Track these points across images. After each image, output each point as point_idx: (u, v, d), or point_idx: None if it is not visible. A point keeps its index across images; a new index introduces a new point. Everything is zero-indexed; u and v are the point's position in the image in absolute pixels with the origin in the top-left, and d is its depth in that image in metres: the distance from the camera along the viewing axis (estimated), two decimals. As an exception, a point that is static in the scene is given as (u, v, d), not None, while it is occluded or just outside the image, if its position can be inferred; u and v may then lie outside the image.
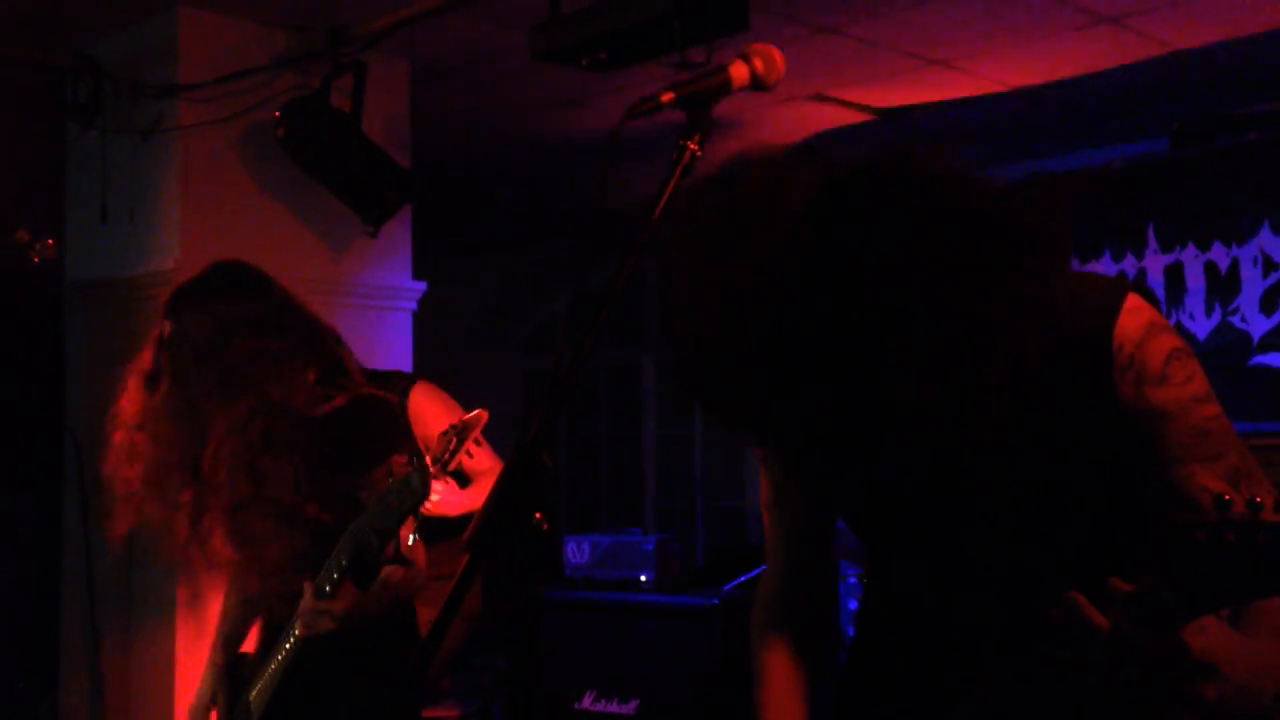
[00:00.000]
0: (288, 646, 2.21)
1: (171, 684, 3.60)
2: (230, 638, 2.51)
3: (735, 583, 4.12)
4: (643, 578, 4.25)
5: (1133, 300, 1.31)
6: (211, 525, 2.18)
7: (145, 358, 2.29)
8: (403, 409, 2.87)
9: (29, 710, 5.11)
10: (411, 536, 1.94)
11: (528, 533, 1.19)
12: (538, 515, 1.20)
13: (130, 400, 2.29)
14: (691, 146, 1.32)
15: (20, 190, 3.89)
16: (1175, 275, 4.58)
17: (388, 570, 2.13)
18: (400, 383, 2.98)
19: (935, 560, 1.42)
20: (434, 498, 2.65)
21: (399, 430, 2.29)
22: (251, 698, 2.34)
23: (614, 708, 4.11)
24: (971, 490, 1.35)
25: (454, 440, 2.02)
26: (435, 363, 4.73)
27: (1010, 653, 1.26)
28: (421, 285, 4.21)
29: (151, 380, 2.25)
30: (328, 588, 2.10)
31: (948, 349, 1.20)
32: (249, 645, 2.48)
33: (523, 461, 1.19)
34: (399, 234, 4.14)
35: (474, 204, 5.86)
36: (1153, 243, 4.67)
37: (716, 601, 4.02)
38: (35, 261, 3.05)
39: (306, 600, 2.11)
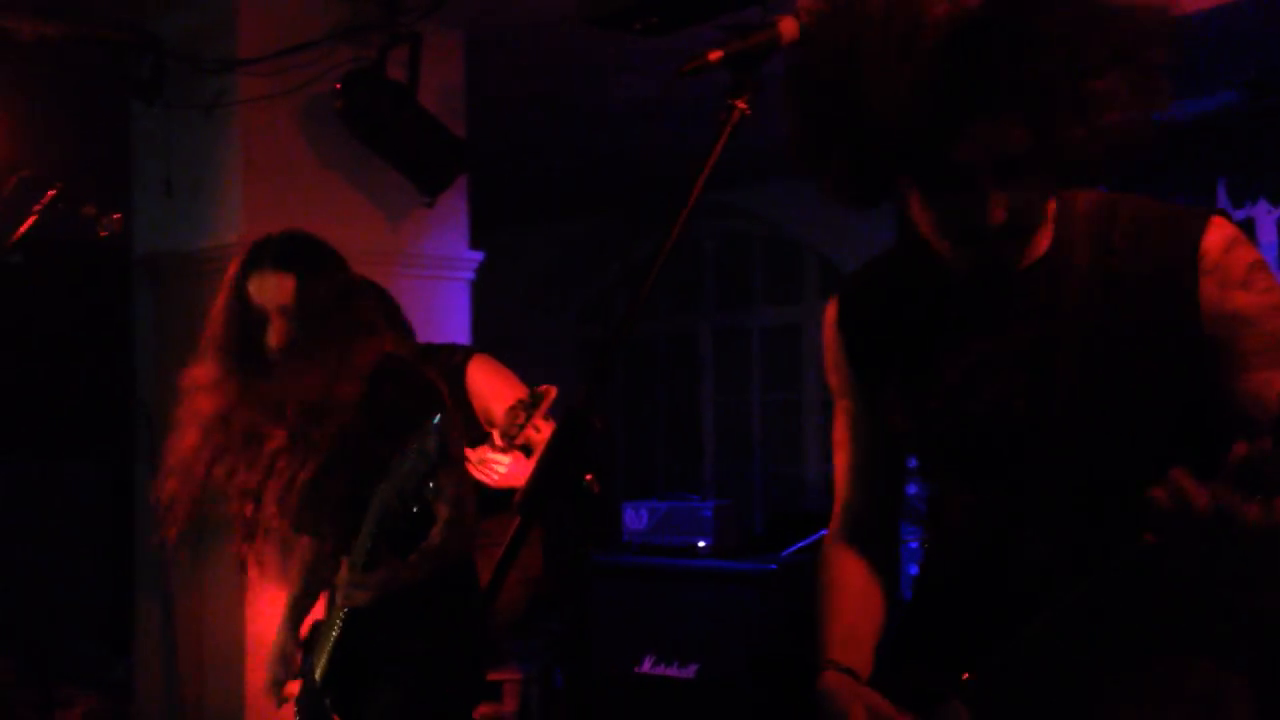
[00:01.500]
0: (338, 619, 2.25)
1: (243, 651, 3.69)
2: (299, 601, 2.56)
3: (794, 548, 4.12)
4: (701, 543, 4.26)
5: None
6: (279, 491, 2.23)
7: (219, 324, 2.32)
8: (460, 381, 2.90)
9: (105, 674, 5.27)
10: (430, 498, 1.96)
11: (579, 495, 1.21)
12: (589, 477, 1.21)
13: (203, 369, 2.33)
14: (740, 106, 1.32)
15: (88, 166, 3.96)
16: (1246, 232, 4.47)
17: (430, 537, 2.15)
18: (457, 355, 3.01)
19: (1004, 493, 1.42)
20: (500, 469, 2.68)
21: (432, 399, 2.28)
22: (315, 667, 2.39)
23: (674, 672, 4.14)
24: (1048, 412, 1.36)
25: (522, 414, 2.04)
26: (491, 332, 4.77)
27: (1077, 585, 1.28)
28: (479, 255, 4.24)
29: (228, 346, 2.28)
30: (361, 559, 2.13)
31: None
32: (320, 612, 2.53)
33: (573, 424, 1.20)
34: (456, 204, 4.17)
35: (528, 173, 5.87)
36: (1223, 199, 4.55)
37: (775, 566, 4.02)
38: (102, 236, 3.11)
39: (342, 573, 2.15)
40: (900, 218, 1.46)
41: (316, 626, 2.49)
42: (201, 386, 2.28)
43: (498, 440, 2.62)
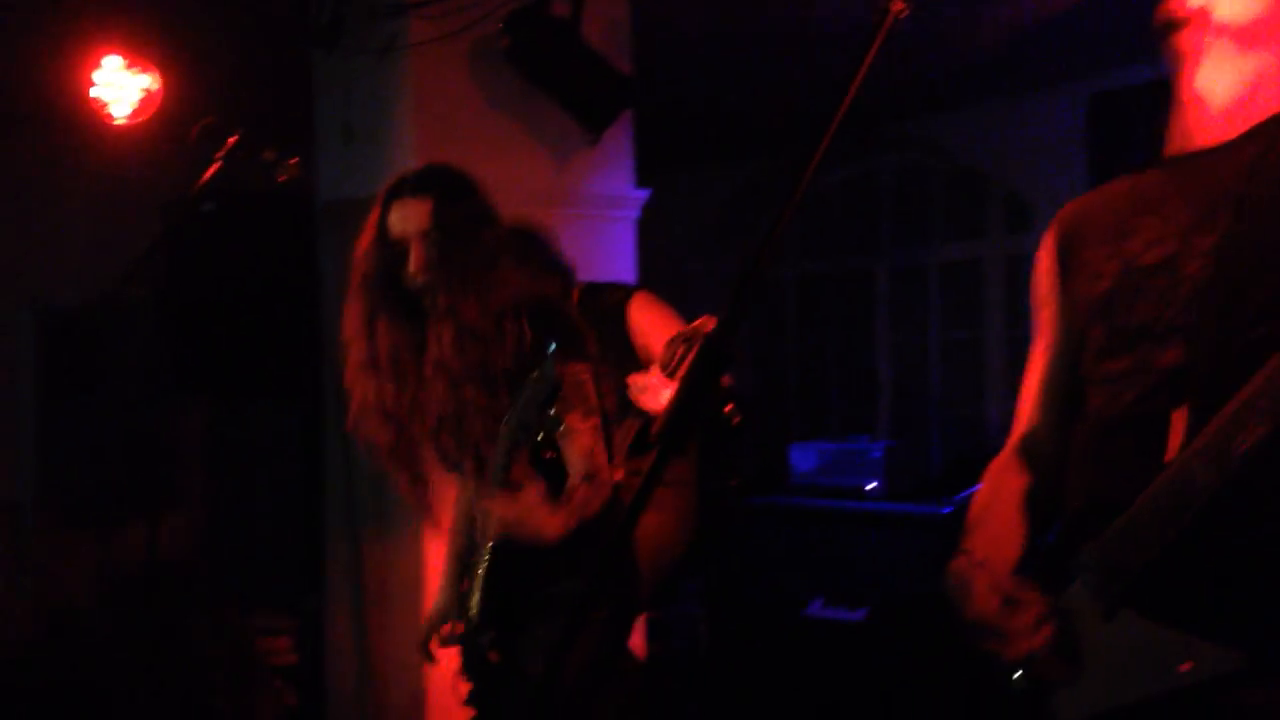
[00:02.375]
0: (485, 556, 2.28)
1: (422, 585, 3.81)
2: (459, 554, 2.61)
3: (970, 491, 3.98)
4: (870, 485, 4.17)
5: None
6: (436, 425, 2.27)
7: (365, 262, 2.37)
8: (621, 319, 2.89)
9: (299, 606, 5.56)
10: (550, 426, 1.95)
11: (718, 426, 1.17)
12: (728, 408, 1.17)
13: (353, 308, 2.39)
14: (895, 8, 1.23)
15: (271, 115, 4.10)
16: None
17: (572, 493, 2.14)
18: (619, 293, 3.00)
19: (1175, 375, 1.39)
20: (664, 397, 2.66)
21: (577, 339, 2.26)
22: (471, 608, 2.43)
23: (843, 614, 4.08)
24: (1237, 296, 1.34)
25: (681, 348, 2.01)
26: (661, 273, 4.74)
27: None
28: (644, 193, 4.21)
29: (374, 283, 2.32)
30: (493, 491, 2.13)
31: None
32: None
33: (711, 354, 1.15)
34: (621, 141, 4.14)
35: (701, 110, 5.78)
36: None
37: (950, 510, 3.90)
38: (281, 180, 3.21)
39: (483, 504, 2.15)
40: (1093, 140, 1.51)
41: (469, 566, 2.54)
42: (355, 326, 2.34)
43: (660, 375, 2.60)
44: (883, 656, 3.96)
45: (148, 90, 3.97)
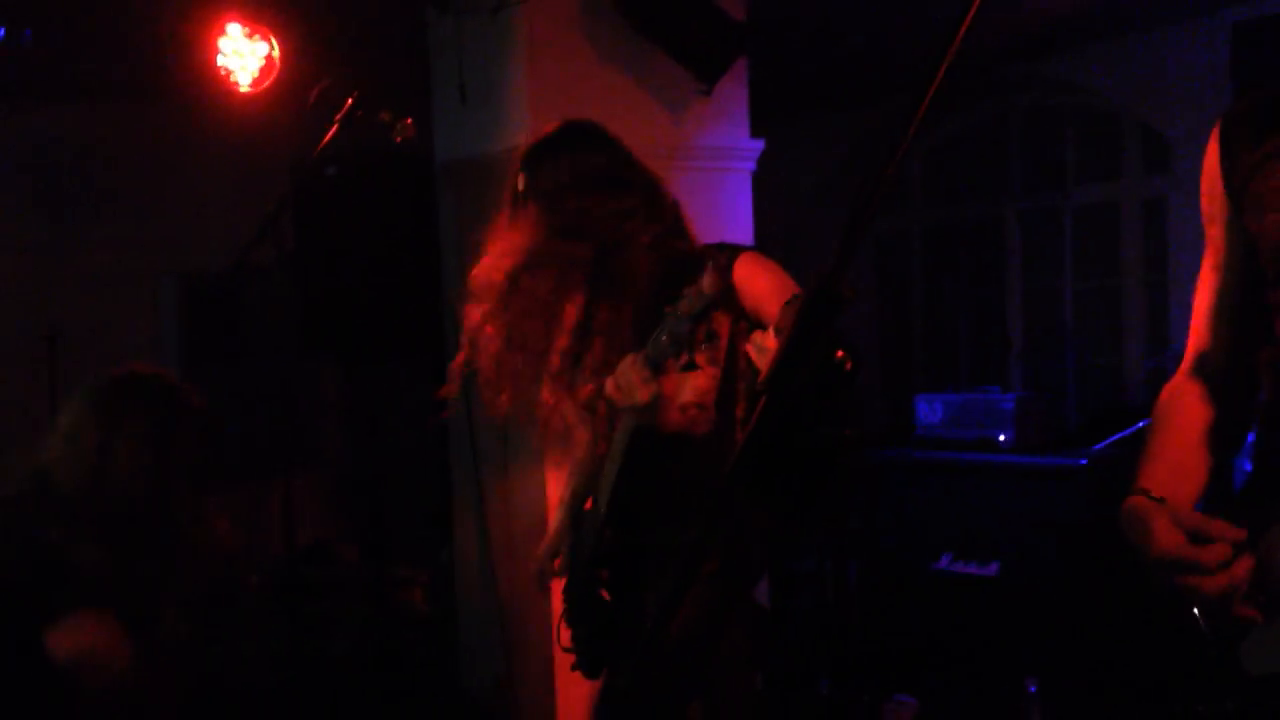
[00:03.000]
0: (609, 490, 2.27)
1: (545, 532, 3.85)
2: (577, 492, 2.62)
3: (1108, 441, 3.82)
4: (1001, 437, 4.03)
5: None
6: (554, 374, 2.28)
7: (500, 217, 2.41)
8: (727, 280, 2.85)
9: (434, 556, 5.70)
10: (702, 342, 1.90)
11: (829, 371, 1.12)
12: (840, 353, 1.12)
13: (484, 264, 2.42)
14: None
15: (388, 77, 4.15)
16: None
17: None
18: (724, 254, 2.95)
19: None
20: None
21: (726, 292, 2.25)
22: (585, 548, 2.44)
23: (974, 569, 3.98)
24: None
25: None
26: (780, 226, 4.67)
27: None
28: (759, 144, 4.13)
29: (504, 236, 2.36)
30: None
31: None
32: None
33: (821, 295, 1.10)
34: (734, 91, 4.07)
35: (820, 57, 5.65)
36: None
37: (1085, 461, 3.75)
38: (398, 141, 3.25)
39: (621, 368, 2.11)
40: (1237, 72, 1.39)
41: (585, 514, 2.55)
42: (482, 281, 2.37)
43: (774, 335, 2.56)
44: (1016, 615, 3.85)
45: (268, 57, 4.06)
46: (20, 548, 2.04)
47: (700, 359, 1.90)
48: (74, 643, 1.99)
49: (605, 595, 2.34)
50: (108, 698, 2.03)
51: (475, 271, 2.43)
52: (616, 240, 2.26)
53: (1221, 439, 1.52)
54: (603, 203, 2.27)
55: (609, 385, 2.13)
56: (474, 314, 2.43)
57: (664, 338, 1.95)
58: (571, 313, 2.28)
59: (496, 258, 2.40)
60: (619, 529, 2.32)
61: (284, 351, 5.74)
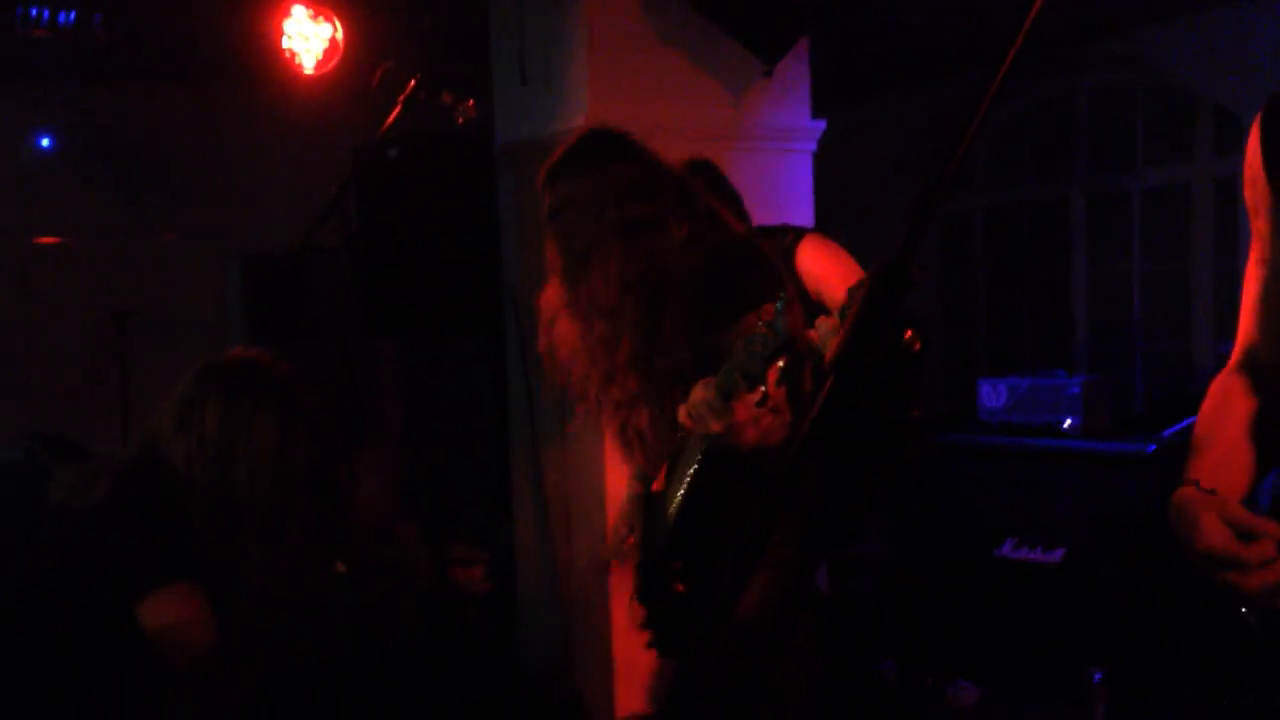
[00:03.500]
0: (683, 486, 2.27)
1: (604, 514, 3.86)
2: (645, 472, 2.63)
3: (1176, 428, 3.75)
4: (1067, 422, 3.97)
5: None
6: (608, 377, 2.31)
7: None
8: (790, 262, 2.83)
9: (491, 536, 5.74)
10: (776, 383, 1.88)
11: (897, 353, 1.11)
12: (908, 334, 1.10)
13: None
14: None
15: (450, 58, 4.17)
16: None
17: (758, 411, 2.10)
18: (789, 235, 2.94)
19: None
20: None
21: (777, 279, 2.25)
22: (658, 534, 2.45)
23: (1037, 556, 3.92)
24: None
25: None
26: (847, 207, 4.62)
27: None
28: (820, 124, 4.09)
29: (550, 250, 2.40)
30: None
31: None
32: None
33: (889, 276, 1.09)
34: (796, 71, 4.03)
35: (881, 36, 5.57)
36: None
37: (1154, 448, 3.68)
38: (460, 122, 3.27)
39: (696, 395, 2.11)
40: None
41: (655, 495, 2.55)
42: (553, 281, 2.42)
43: (839, 320, 2.55)
44: (1080, 602, 3.80)
45: (332, 39, 4.09)
46: (124, 518, 2.10)
47: (774, 393, 1.89)
48: (165, 614, 2.04)
49: (680, 587, 2.35)
50: (191, 671, 2.08)
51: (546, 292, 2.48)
52: (650, 249, 2.28)
53: (1270, 432, 1.50)
54: (627, 219, 2.29)
55: (681, 412, 2.14)
56: (550, 301, 2.47)
57: (737, 373, 1.95)
58: (631, 316, 2.30)
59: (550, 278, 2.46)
60: (692, 527, 2.33)
61: (346, 332, 5.82)
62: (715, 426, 2.08)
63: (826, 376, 1.10)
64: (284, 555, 2.17)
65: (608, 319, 2.28)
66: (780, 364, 1.88)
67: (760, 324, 1.91)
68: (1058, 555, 3.87)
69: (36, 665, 2.08)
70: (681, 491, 2.28)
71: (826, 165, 4.20)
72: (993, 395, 4.20)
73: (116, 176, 6.20)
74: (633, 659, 3.84)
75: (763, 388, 1.88)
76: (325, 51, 4.08)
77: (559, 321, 2.46)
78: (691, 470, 2.23)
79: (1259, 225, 1.51)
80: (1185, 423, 3.73)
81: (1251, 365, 1.55)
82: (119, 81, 6.04)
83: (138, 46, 5.23)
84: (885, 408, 1.15)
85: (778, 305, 1.87)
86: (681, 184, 2.36)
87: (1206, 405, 1.55)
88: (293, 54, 4.13)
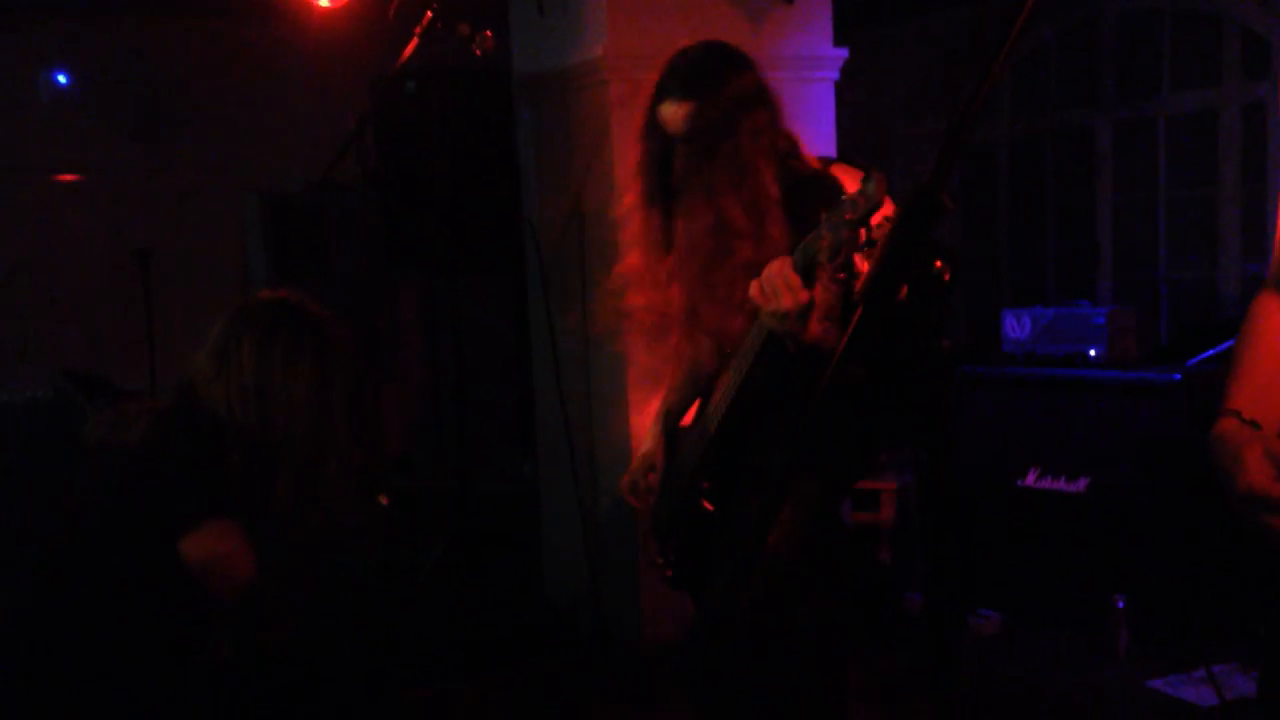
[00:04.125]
0: (731, 395, 2.27)
1: (629, 447, 3.88)
2: (672, 409, 2.64)
3: (1203, 356, 3.72)
4: (1091, 352, 3.95)
5: None
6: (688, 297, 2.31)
7: (638, 150, 2.40)
8: None
9: (516, 470, 5.79)
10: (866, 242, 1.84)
11: (927, 282, 1.10)
12: (938, 263, 1.09)
13: (630, 194, 2.45)
14: None
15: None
16: None
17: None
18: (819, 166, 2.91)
19: None
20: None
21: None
22: (685, 462, 2.46)
23: (1061, 485, 3.93)
24: None
25: (861, 200, 1.93)
26: (866, 138, 4.57)
27: None
28: (843, 52, 4.03)
29: (645, 173, 2.36)
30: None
31: None
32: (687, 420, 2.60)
33: (921, 204, 1.08)
34: (818, -1, 3.97)
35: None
36: None
37: (1179, 377, 3.65)
38: (478, 54, 3.23)
39: (767, 272, 2.09)
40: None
41: (680, 432, 2.56)
42: (630, 210, 2.40)
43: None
44: (1104, 532, 3.80)
45: (348, -28, 4.03)
46: (166, 456, 2.13)
47: (860, 263, 1.85)
48: (206, 550, 2.07)
49: (708, 505, 2.36)
50: (234, 606, 2.11)
51: (623, 223, 2.45)
52: (780, 166, 2.26)
53: None
54: (758, 126, 2.27)
55: (753, 287, 2.09)
56: (622, 235, 2.45)
57: (822, 240, 1.91)
58: (683, 249, 2.28)
59: (636, 184, 2.41)
60: (729, 442, 2.33)
61: (366, 267, 5.82)
62: (787, 301, 2.03)
63: (856, 306, 1.10)
64: (324, 491, 2.20)
65: (725, 231, 2.24)
66: (867, 231, 1.82)
67: (846, 197, 1.87)
68: (1081, 485, 3.87)
69: (82, 601, 2.12)
70: (726, 406, 2.28)
71: (846, 92, 4.14)
72: (1016, 326, 4.18)
73: (135, 113, 6.18)
74: (658, 592, 3.88)
75: (843, 257, 1.85)
76: (341, -16, 4.03)
77: (633, 250, 2.43)
78: (738, 382, 2.23)
79: None
80: (1210, 352, 3.71)
81: None
82: (135, 16, 6.00)
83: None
84: (915, 337, 1.14)
85: (867, 176, 1.83)
86: (778, 103, 2.36)
87: (1246, 327, 1.50)
88: (308, -13, 4.08)
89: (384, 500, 2.48)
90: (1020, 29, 1.14)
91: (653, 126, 2.34)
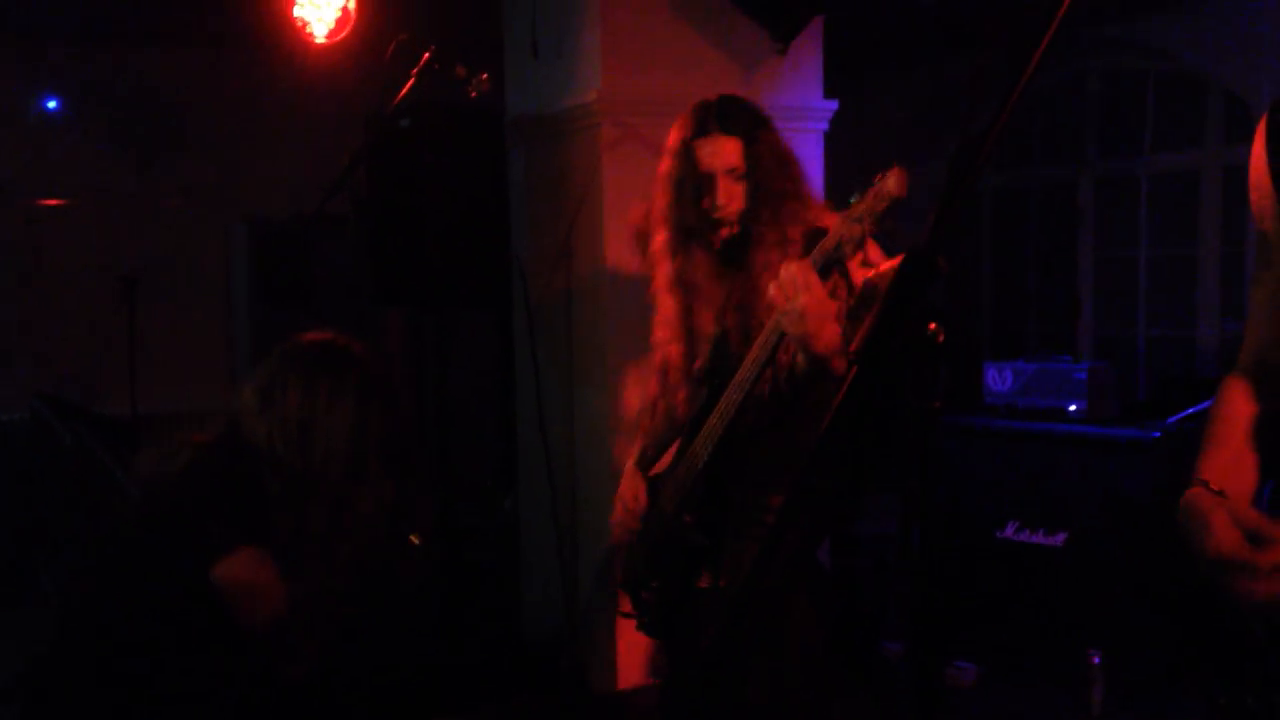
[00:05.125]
0: (719, 427, 2.30)
1: (611, 484, 3.87)
2: (648, 449, 2.65)
3: (1182, 415, 3.75)
4: (1071, 407, 3.98)
5: None
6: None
7: (667, 191, 2.45)
8: None
9: (497, 505, 5.77)
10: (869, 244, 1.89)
11: (921, 344, 1.12)
12: (932, 325, 1.12)
13: (659, 236, 2.51)
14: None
15: (462, 31, 4.15)
16: None
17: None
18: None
19: None
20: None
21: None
22: (666, 503, 2.46)
23: (1039, 539, 3.95)
24: None
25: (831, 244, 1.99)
26: (854, 185, 4.60)
27: None
28: (832, 104, 4.08)
29: (678, 211, 2.44)
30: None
31: None
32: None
33: (915, 265, 1.10)
34: (809, 50, 4.01)
35: (896, 10, 5.55)
36: None
37: (1159, 434, 3.69)
38: (473, 96, 3.27)
39: (785, 270, 2.14)
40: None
41: (659, 476, 2.57)
42: (659, 253, 2.43)
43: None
44: (1081, 586, 3.82)
45: (345, 9, 4.08)
46: (204, 483, 2.15)
47: (877, 259, 1.90)
48: (237, 576, 2.09)
49: (697, 537, 2.38)
50: (260, 633, 2.13)
51: (652, 268, 2.53)
52: (790, 218, 2.34)
53: (1275, 437, 1.52)
54: (774, 183, 2.35)
55: (772, 288, 2.14)
56: (654, 279, 2.50)
57: (841, 235, 1.97)
58: (740, 284, 2.37)
59: (664, 228, 2.47)
60: (718, 476, 2.35)
61: (352, 300, 5.82)
62: (805, 299, 2.08)
63: (851, 366, 1.12)
64: (356, 525, 2.22)
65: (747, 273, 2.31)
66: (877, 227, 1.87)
67: (861, 196, 1.92)
68: (1060, 539, 3.89)
69: (118, 624, 2.14)
70: (717, 438, 2.30)
71: (830, 140, 4.19)
72: (998, 379, 4.21)
73: (124, 139, 6.19)
74: (636, 632, 3.87)
75: (863, 255, 1.90)
76: (337, 21, 4.07)
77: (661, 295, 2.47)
78: (736, 403, 2.25)
79: (1266, 229, 1.53)
80: (1190, 410, 3.74)
81: (1261, 367, 1.57)
82: (127, 43, 6.03)
83: (150, 8, 5.22)
84: (907, 398, 1.16)
85: (882, 172, 1.88)
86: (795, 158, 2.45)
87: (1217, 404, 1.57)
88: (304, 22, 4.12)
89: (415, 539, 2.49)
90: (1020, 92, 1.17)
91: (688, 170, 2.40)
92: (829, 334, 2.12)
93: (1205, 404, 3.71)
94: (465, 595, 4.15)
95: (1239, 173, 5.37)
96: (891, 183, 1.87)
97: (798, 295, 2.07)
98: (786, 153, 2.44)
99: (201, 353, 6.21)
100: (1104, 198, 6.04)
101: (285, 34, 4.23)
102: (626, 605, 2.58)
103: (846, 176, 4.36)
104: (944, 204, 1.14)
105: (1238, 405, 1.55)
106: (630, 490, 2.62)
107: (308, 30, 4.11)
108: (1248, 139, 4.55)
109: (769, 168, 2.36)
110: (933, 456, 1.20)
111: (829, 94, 4.10)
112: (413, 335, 6.41)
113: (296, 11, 4.11)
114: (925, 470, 1.21)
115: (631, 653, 3.87)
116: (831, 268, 2.05)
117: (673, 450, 2.54)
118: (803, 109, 4.03)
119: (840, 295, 2.13)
